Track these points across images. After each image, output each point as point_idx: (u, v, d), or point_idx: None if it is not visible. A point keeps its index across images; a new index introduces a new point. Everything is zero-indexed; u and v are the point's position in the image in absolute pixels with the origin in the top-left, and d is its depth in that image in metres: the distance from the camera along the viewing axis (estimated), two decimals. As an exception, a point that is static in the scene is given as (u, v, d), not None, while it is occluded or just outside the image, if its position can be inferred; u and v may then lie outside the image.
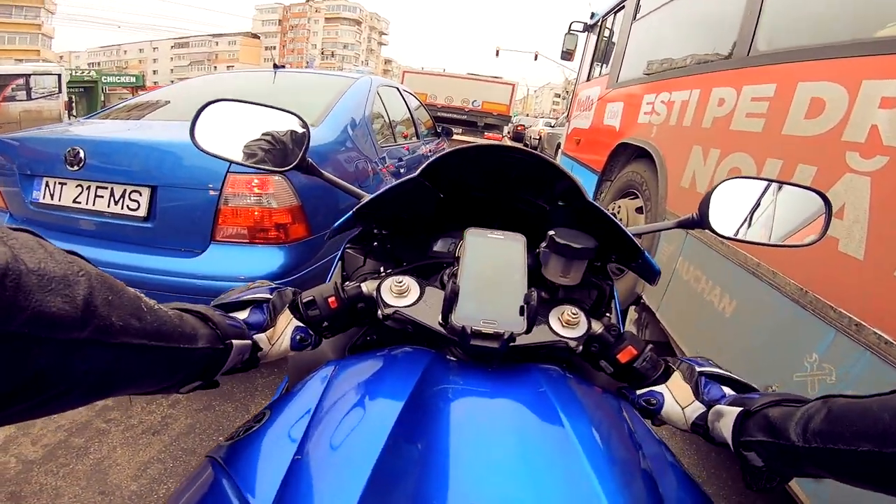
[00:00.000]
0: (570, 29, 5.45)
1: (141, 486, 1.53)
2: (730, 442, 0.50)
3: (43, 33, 37.74)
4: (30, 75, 12.70)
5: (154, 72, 63.48)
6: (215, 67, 61.63)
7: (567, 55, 5.76)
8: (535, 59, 25.08)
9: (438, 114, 10.91)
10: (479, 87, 12.11)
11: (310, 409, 0.45)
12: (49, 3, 37.78)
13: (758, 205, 0.81)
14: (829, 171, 1.34)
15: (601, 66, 4.35)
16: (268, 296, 0.59)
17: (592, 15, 5.02)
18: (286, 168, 0.79)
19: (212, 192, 1.60)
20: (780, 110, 1.59)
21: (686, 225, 0.84)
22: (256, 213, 1.62)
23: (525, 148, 0.70)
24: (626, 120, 3.18)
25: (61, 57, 54.27)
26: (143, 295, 0.38)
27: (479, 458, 0.39)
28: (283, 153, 0.80)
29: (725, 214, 0.81)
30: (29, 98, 12.56)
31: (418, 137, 3.53)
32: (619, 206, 2.83)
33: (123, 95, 31.73)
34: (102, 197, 1.72)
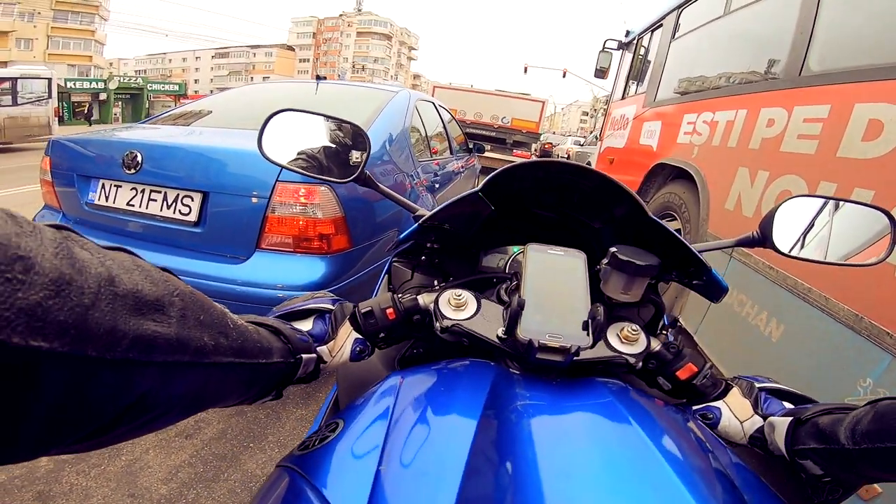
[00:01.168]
0: (604, 47, 5.46)
1: (171, 490, 1.54)
2: (784, 451, 0.51)
3: (96, 40, 38.81)
4: (17, 79, 11.51)
5: (196, 81, 66.05)
6: (252, 78, 63.77)
7: (601, 73, 5.76)
8: (564, 76, 25.12)
9: (468, 130, 10.91)
10: (508, 103, 12.06)
11: (384, 420, 0.45)
12: (103, 10, 38.94)
13: (820, 223, 0.81)
14: (887, 194, 1.31)
15: (637, 85, 4.32)
16: (330, 306, 0.60)
17: (628, 33, 5.01)
18: (346, 180, 0.80)
19: (260, 200, 1.64)
20: (835, 132, 1.56)
21: (746, 243, 0.84)
22: (301, 222, 1.64)
23: (594, 169, 0.70)
24: (664, 140, 3.15)
25: (111, 63, 56.72)
26: (227, 310, 0.38)
27: (568, 473, 0.39)
28: (343, 163, 0.81)
29: (787, 233, 0.81)
30: (15, 103, 11.32)
31: (451, 152, 3.56)
32: None
33: (166, 103, 33.19)
34: (156, 201, 1.78)
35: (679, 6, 3.45)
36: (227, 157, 1.71)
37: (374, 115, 2.25)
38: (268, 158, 0.79)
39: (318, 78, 2.89)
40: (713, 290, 0.71)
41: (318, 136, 0.82)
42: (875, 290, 1.29)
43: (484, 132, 11.57)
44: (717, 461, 0.45)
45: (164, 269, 0.33)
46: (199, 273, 1.70)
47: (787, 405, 0.56)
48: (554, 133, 32.98)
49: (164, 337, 0.28)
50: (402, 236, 0.75)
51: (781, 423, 0.51)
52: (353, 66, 72.97)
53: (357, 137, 0.82)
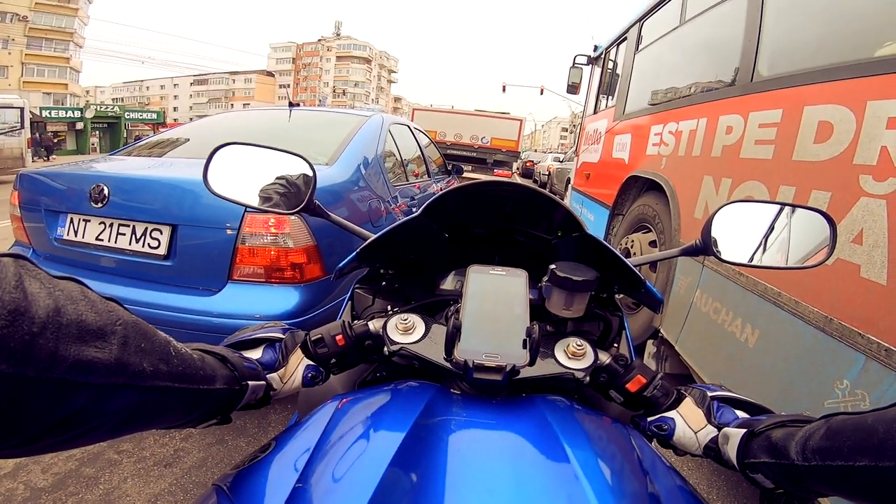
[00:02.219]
0: (574, 62, 5.54)
1: (150, 518, 1.51)
2: (735, 464, 0.51)
3: (71, 67, 38.11)
4: (-14, 109, 10.81)
5: (175, 108, 65.75)
6: (232, 105, 63.79)
7: (573, 89, 5.85)
8: (542, 93, 25.55)
9: (448, 151, 10.99)
10: (487, 123, 12.22)
11: (314, 441, 0.46)
12: (77, 37, 38.25)
13: (763, 228, 0.81)
14: (843, 195, 1.33)
15: (607, 99, 4.39)
16: (280, 335, 0.61)
17: (596, 48, 5.11)
18: (294, 211, 0.82)
19: (230, 232, 1.63)
20: (788, 136, 1.59)
21: (690, 252, 0.85)
22: (273, 252, 1.64)
23: (517, 181, 0.73)
24: (634, 152, 3.20)
25: (87, 91, 55.78)
26: (171, 339, 0.41)
27: (476, 488, 0.40)
28: (293, 195, 0.82)
29: (729, 239, 0.81)
30: (-14, 134, 10.68)
31: (429, 175, 3.57)
32: (633, 241, 2.79)
33: (144, 132, 32.83)
34: (124, 235, 1.76)
35: (640, 18, 3.54)
36: (194, 188, 1.69)
37: (347, 141, 2.27)
38: (213, 192, 0.80)
39: (291, 105, 2.91)
40: (651, 300, 0.74)
41: (266, 168, 0.83)
42: (842, 291, 1.29)
43: (465, 153, 11.68)
44: (651, 481, 0.46)
45: (111, 299, 0.35)
46: (171, 306, 1.67)
47: (742, 414, 0.56)
48: (535, 150, 33.39)
49: (103, 362, 0.31)
50: (340, 265, 0.77)
51: (735, 435, 0.51)
52: (334, 91, 73.55)
53: (305, 168, 0.83)
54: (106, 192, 1.74)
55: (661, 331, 2.35)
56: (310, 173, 0.82)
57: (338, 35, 76.68)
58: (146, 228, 1.73)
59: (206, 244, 1.67)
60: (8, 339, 0.25)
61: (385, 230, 0.71)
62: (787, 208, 0.81)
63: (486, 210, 0.82)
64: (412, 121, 11.30)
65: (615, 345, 0.77)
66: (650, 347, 2.50)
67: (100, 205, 1.75)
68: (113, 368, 0.32)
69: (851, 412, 0.40)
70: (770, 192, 1.64)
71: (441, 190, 3.70)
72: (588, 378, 0.59)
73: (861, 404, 1.18)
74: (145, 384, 0.35)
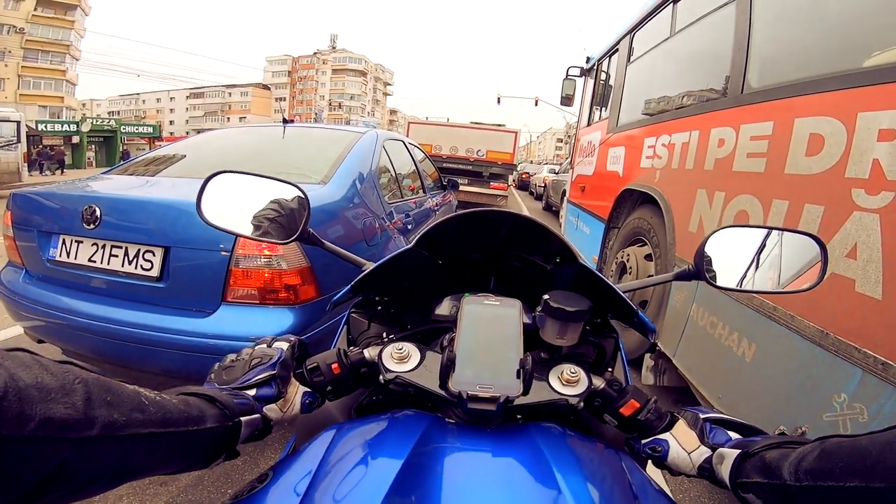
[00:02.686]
0: (567, 74, 5.59)
1: (145, 538, 1.49)
2: (728, 484, 0.52)
3: (67, 80, 37.81)
4: (-18, 122, 10.69)
5: (171, 122, 65.63)
6: (228, 119, 63.90)
7: (566, 100, 5.90)
8: (536, 104, 25.68)
9: (444, 164, 10.93)
10: (482, 136, 12.15)
11: (311, 471, 0.47)
12: (74, 50, 37.91)
13: (755, 252, 0.82)
14: (836, 210, 1.32)
15: (601, 110, 4.42)
16: (272, 372, 0.60)
17: (588, 59, 5.16)
18: (288, 240, 0.83)
19: (223, 254, 1.62)
20: (780, 149, 1.58)
21: (683, 277, 0.85)
22: (267, 274, 1.63)
23: (513, 211, 0.75)
24: (628, 164, 3.21)
25: (83, 105, 55.49)
26: (142, 389, 0.42)
27: None
28: (287, 221, 0.83)
29: (722, 264, 0.82)
30: (-19, 148, 10.56)
31: (424, 191, 3.55)
32: (628, 255, 2.79)
33: (140, 146, 32.60)
34: (117, 256, 1.74)
35: (631, 30, 3.57)
36: (186, 209, 1.67)
37: (341, 158, 2.27)
38: (206, 221, 0.80)
39: (285, 121, 2.92)
40: (645, 330, 0.75)
41: (260, 196, 0.83)
42: (838, 306, 1.29)
43: (460, 166, 11.63)
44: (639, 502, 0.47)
45: (65, 362, 0.36)
46: (164, 328, 1.65)
47: (735, 435, 0.58)
48: (531, 162, 33.51)
49: (73, 417, 0.32)
50: (335, 298, 0.79)
51: (729, 455, 0.53)
52: (330, 104, 73.88)
53: (297, 196, 0.83)
54: (98, 213, 1.73)
55: (659, 344, 2.34)
56: (304, 201, 0.83)
57: (333, 48, 77.20)
58: (139, 250, 1.72)
59: (199, 266, 1.66)
60: None
61: (379, 263, 0.73)
62: (778, 232, 0.82)
63: (482, 235, 0.84)
64: (408, 135, 11.17)
65: (610, 369, 0.78)
66: (648, 361, 2.49)
67: (92, 226, 1.74)
68: (83, 423, 0.33)
69: (847, 434, 0.41)
70: (763, 206, 1.63)
71: (437, 205, 3.71)
72: (582, 403, 0.60)
73: (860, 418, 1.18)
74: (124, 433, 0.36)
